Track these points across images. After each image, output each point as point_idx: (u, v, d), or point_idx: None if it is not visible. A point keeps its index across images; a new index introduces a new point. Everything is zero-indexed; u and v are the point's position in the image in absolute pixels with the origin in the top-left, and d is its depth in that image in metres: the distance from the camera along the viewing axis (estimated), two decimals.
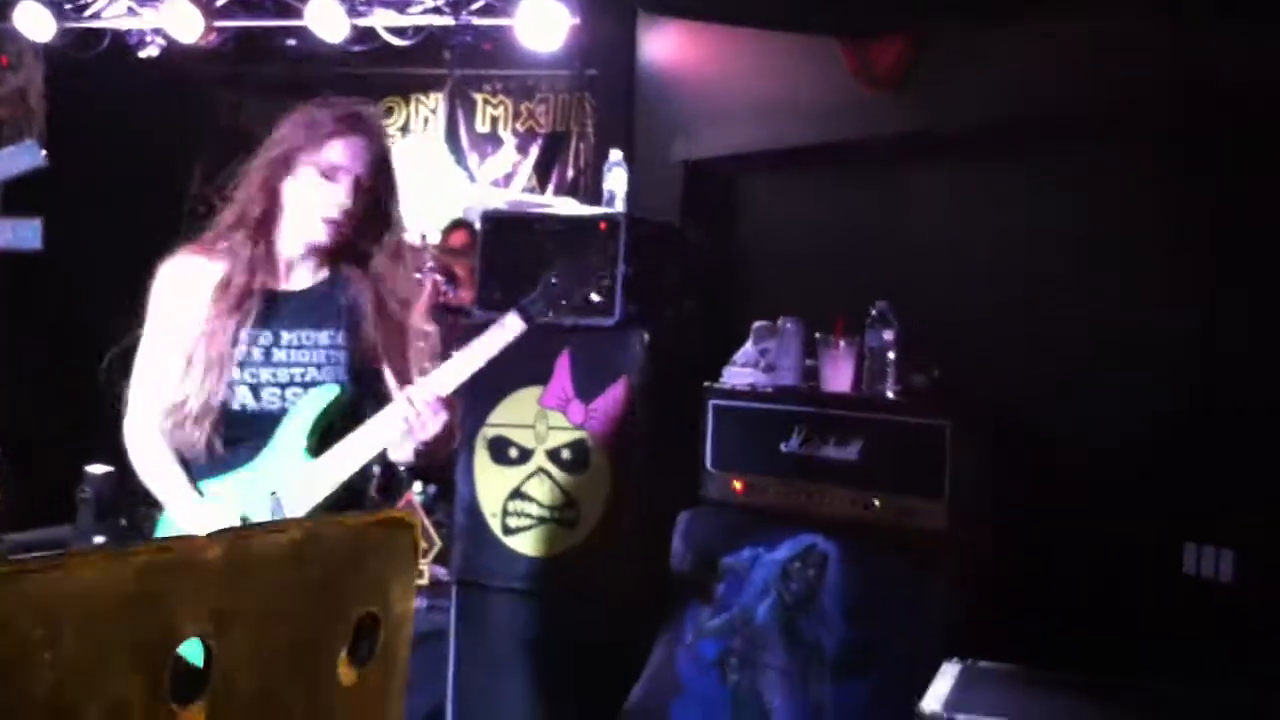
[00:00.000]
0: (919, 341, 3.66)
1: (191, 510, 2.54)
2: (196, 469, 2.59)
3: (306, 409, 2.58)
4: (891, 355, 3.59)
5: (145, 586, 1.20)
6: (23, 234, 6.68)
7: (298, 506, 2.54)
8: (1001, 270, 3.92)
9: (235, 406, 2.57)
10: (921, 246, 4.18)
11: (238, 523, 2.48)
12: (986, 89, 3.87)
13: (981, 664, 3.04)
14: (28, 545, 6.35)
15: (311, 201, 2.59)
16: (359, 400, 2.63)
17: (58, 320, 7.06)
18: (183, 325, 2.58)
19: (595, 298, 2.85)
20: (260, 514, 2.53)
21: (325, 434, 2.59)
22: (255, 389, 2.59)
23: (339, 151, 2.59)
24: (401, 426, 2.56)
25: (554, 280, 2.73)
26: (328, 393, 2.59)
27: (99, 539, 6.39)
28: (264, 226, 2.63)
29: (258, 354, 2.60)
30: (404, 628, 1.54)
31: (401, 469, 5.17)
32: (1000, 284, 3.92)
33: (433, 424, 2.54)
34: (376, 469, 2.73)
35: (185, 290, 2.60)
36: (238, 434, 2.58)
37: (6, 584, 1.07)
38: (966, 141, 4.09)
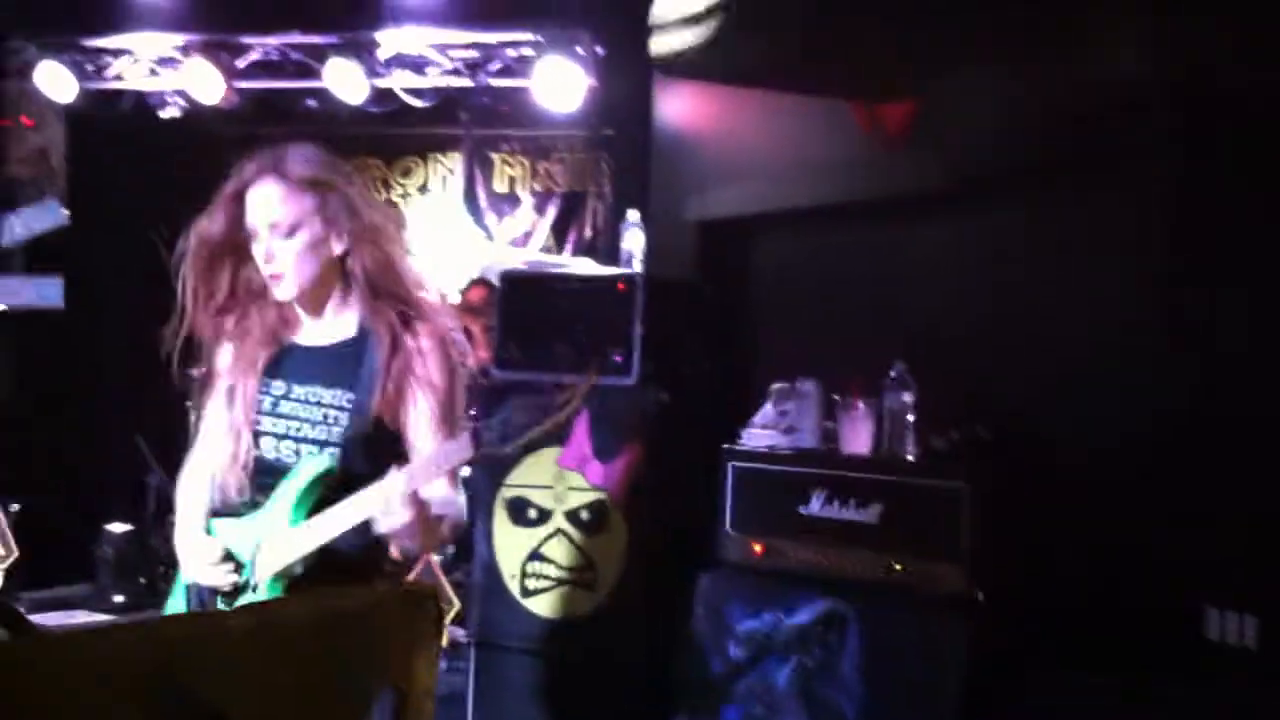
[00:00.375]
0: (938, 402, 3.65)
1: (196, 548, 2.69)
2: (218, 507, 2.74)
3: (300, 475, 2.62)
4: (910, 418, 3.59)
5: (170, 656, 1.21)
6: (45, 292, 6.75)
7: (270, 565, 2.59)
8: (1008, 322, 3.90)
9: (256, 454, 2.69)
10: (936, 303, 4.17)
11: (219, 555, 2.63)
12: (985, 138, 3.88)
13: None
14: (46, 603, 6.36)
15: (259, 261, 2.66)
16: (353, 474, 2.59)
17: (78, 378, 7.10)
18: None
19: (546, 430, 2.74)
20: (247, 561, 2.63)
21: (314, 502, 2.60)
22: (258, 438, 2.69)
23: (250, 206, 2.63)
24: (377, 507, 2.48)
25: (513, 414, 2.75)
26: (319, 463, 2.62)
27: (118, 598, 6.41)
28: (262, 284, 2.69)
29: (268, 404, 2.69)
30: (427, 702, 1.54)
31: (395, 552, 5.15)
32: (1009, 333, 3.89)
33: (402, 513, 2.43)
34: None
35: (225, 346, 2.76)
36: (257, 481, 2.69)
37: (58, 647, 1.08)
38: (970, 194, 4.09)
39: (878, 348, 3.82)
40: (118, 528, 6.57)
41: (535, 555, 4.17)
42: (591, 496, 4.09)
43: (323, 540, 2.55)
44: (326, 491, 2.59)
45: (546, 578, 4.13)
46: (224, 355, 2.76)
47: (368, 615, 1.46)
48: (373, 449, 2.63)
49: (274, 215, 2.61)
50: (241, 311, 2.70)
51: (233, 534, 2.67)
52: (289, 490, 2.61)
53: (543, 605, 4.13)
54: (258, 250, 2.63)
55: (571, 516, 4.12)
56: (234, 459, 2.68)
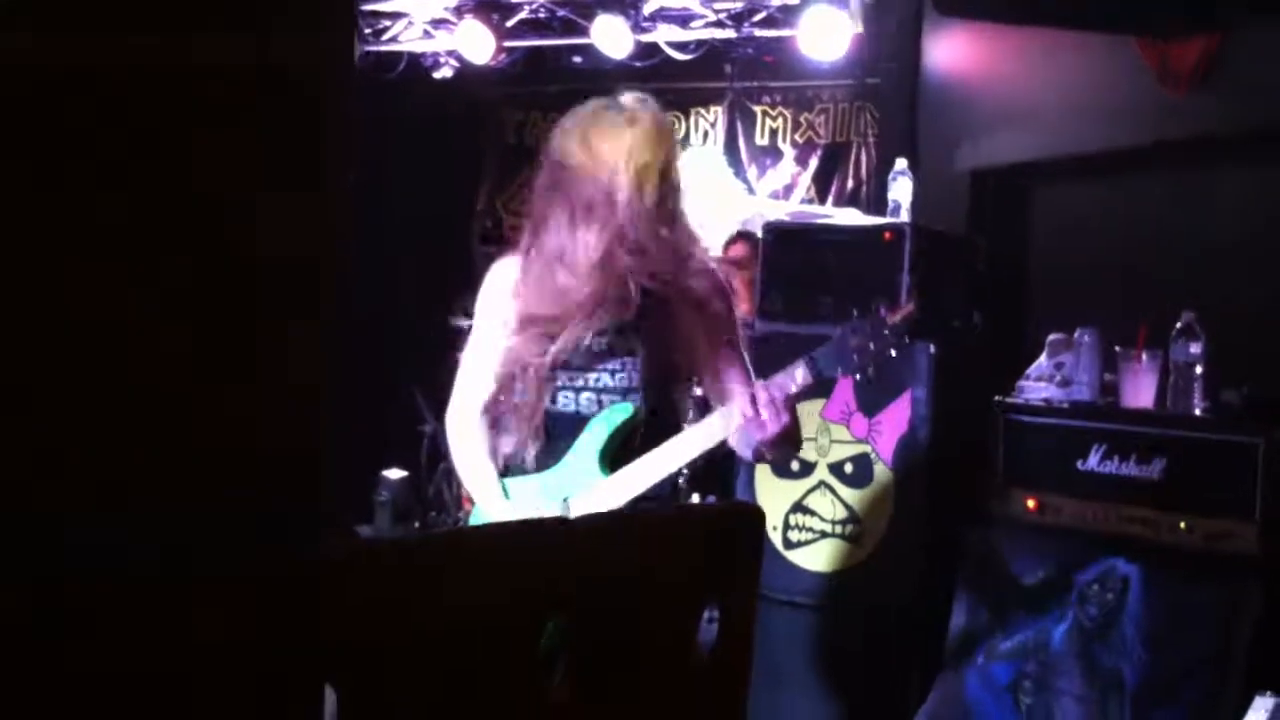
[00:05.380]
0: (1227, 354, 3.45)
1: (500, 508, 2.64)
2: (509, 464, 2.70)
3: (599, 427, 2.61)
4: (1199, 369, 3.40)
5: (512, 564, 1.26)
6: None
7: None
8: None
9: (550, 409, 2.67)
10: (1229, 253, 3.95)
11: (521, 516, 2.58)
12: None
13: None
14: None
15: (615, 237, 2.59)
16: (653, 419, 2.64)
17: (356, 327, 7.44)
18: (504, 329, 2.68)
19: (892, 353, 2.65)
20: (547, 511, 2.61)
21: (619, 451, 2.61)
22: (557, 393, 2.67)
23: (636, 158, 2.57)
24: (726, 432, 2.55)
25: (851, 337, 2.60)
26: (621, 412, 2.62)
27: None
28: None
29: (560, 359, 2.65)
30: (749, 622, 1.55)
31: (682, 481, 5.20)
32: None
33: (773, 424, 2.49)
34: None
35: (507, 293, 2.69)
36: (552, 435, 2.66)
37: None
38: (1268, 139, 3.85)
39: (1162, 299, 3.64)
40: (394, 473, 6.86)
41: (798, 507, 4.15)
42: (855, 449, 4.03)
43: (648, 484, 2.57)
44: (629, 440, 2.61)
45: (810, 530, 4.11)
46: (505, 295, 2.71)
47: (695, 532, 1.48)
48: (670, 394, 2.66)
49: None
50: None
51: (528, 492, 2.66)
52: (594, 440, 2.61)
53: (806, 558, 4.11)
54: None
55: (835, 469, 4.08)
56: (527, 416, 2.65)
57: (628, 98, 2.67)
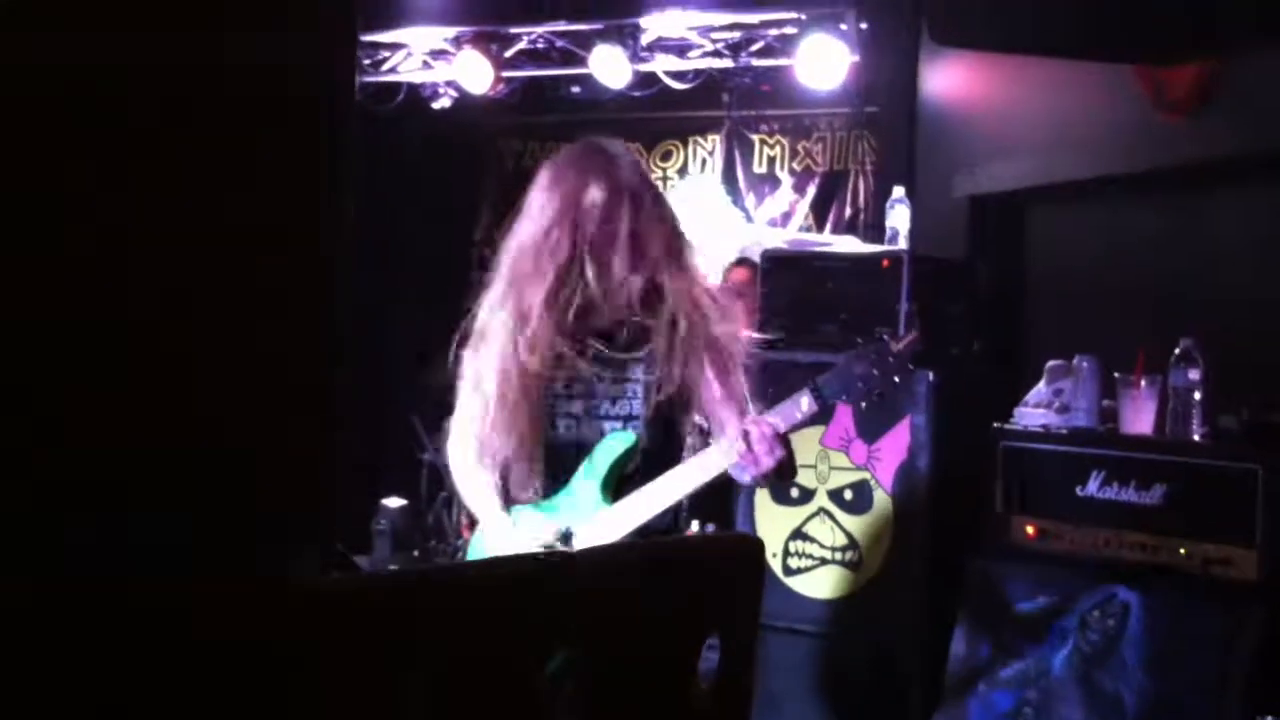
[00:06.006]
0: (1227, 380, 3.46)
1: (506, 535, 2.62)
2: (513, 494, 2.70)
3: (601, 458, 2.62)
4: (1198, 395, 3.41)
5: (517, 599, 1.25)
6: None
7: (596, 543, 2.57)
8: None
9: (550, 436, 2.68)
10: (1227, 279, 3.95)
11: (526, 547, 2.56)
12: None
13: None
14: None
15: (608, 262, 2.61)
16: (653, 447, 2.65)
17: (354, 356, 7.42)
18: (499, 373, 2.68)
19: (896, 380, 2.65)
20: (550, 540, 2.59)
21: (620, 481, 2.62)
22: (554, 420, 2.68)
23: (591, 195, 2.60)
24: (724, 465, 2.56)
25: (856, 365, 2.60)
26: (622, 441, 2.62)
27: (394, 570, 6.68)
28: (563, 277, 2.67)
29: (560, 387, 2.67)
30: (751, 650, 1.55)
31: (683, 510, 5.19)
32: None
33: (767, 460, 2.52)
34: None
35: (500, 339, 2.69)
36: (552, 463, 2.67)
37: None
38: (1275, 163, 3.85)
39: (1160, 325, 3.65)
40: (393, 502, 6.84)
41: (798, 534, 4.15)
42: (855, 476, 4.03)
43: (653, 513, 2.58)
44: (631, 469, 2.62)
45: (810, 557, 4.10)
46: (506, 342, 2.70)
47: (696, 562, 1.48)
48: (671, 422, 2.67)
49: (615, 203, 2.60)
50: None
51: (532, 523, 2.65)
52: (596, 470, 2.61)
53: (805, 584, 4.10)
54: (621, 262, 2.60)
55: (835, 496, 4.08)
56: (525, 444, 2.65)
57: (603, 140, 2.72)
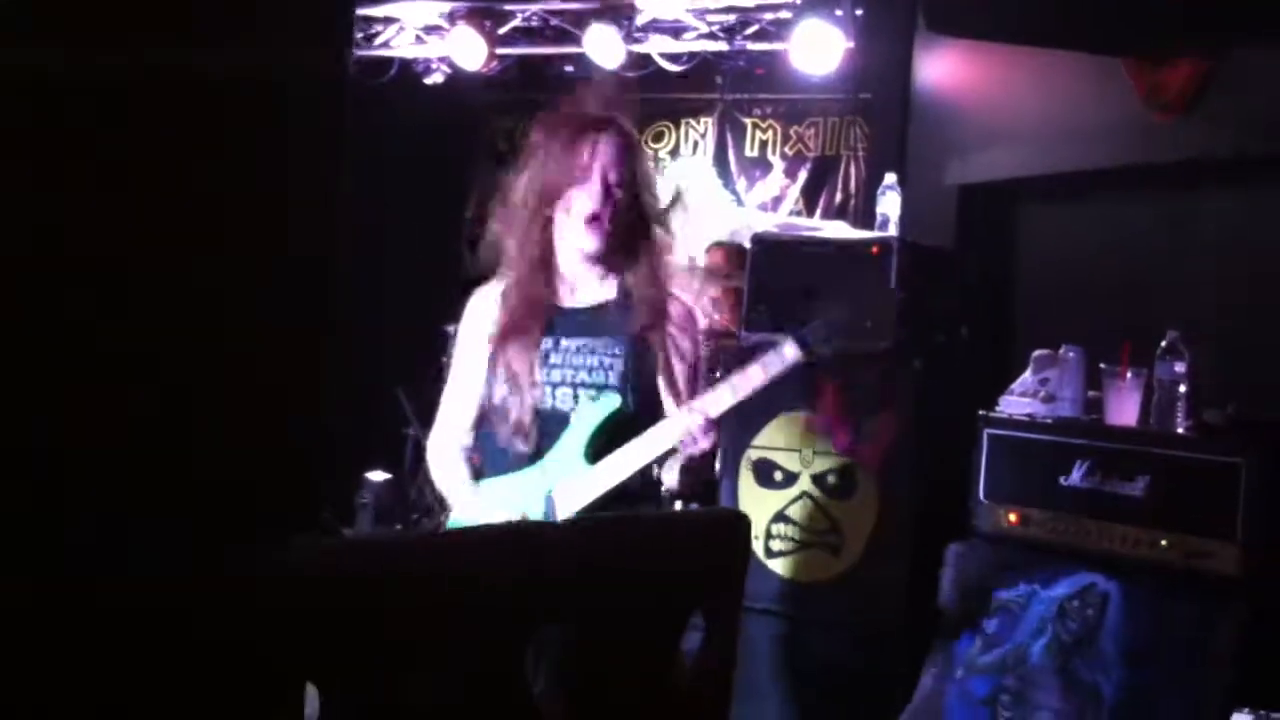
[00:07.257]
0: (1211, 373, 3.47)
1: (482, 508, 2.67)
2: (489, 467, 2.74)
3: (588, 417, 2.66)
4: (1183, 388, 3.42)
5: (503, 565, 1.25)
6: None
7: (569, 507, 2.64)
8: None
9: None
10: (1214, 273, 3.97)
11: (515, 518, 2.62)
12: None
13: (1275, 715, 2.85)
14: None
15: (572, 210, 2.66)
16: (636, 413, 2.69)
17: (341, 331, 7.40)
18: (484, 354, 2.76)
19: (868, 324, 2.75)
20: (535, 513, 2.65)
21: (604, 443, 2.66)
22: (536, 386, 2.71)
23: (585, 154, 2.65)
24: (677, 439, 2.59)
25: (833, 313, 2.66)
26: (608, 404, 2.66)
27: None
28: (541, 247, 2.72)
29: (538, 357, 2.72)
30: (735, 625, 1.55)
31: (664, 490, 5.21)
32: None
33: (702, 442, 2.59)
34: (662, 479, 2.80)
35: (486, 321, 2.76)
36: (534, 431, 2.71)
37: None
38: (1265, 164, 3.87)
39: (1147, 317, 3.66)
40: (377, 475, 6.84)
41: (780, 517, 4.15)
42: (839, 461, 4.04)
43: (624, 475, 2.63)
44: (614, 431, 2.65)
45: (792, 539, 4.11)
46: (486, 319, 2.79)
47: (683, 538, 1.49)
48: (645, 394, 2.71)
49: (614, 171, 2.66)
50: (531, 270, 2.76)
51: (508, 490, 2.70)
52: (578, 433, 2.65)
53: (786, 567, 4.11)
54: (586, 202, 2.67)
55: (818, 480, 4.09)
56: (511, 415, 2.70)
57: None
